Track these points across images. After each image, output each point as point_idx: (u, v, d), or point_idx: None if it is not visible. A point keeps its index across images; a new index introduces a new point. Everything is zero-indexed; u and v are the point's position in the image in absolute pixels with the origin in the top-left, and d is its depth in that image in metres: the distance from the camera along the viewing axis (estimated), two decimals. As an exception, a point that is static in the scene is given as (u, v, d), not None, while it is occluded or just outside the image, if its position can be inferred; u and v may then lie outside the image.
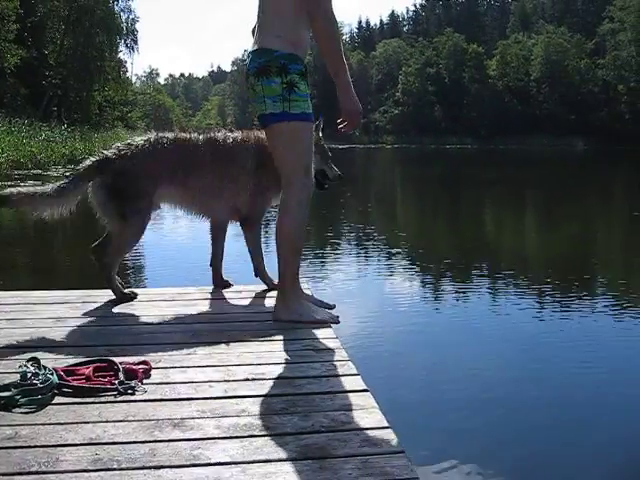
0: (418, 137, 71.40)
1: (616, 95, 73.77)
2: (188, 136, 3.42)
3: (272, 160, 3.10)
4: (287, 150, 2.95)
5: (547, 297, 6.23)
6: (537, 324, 5.35)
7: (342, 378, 2.34)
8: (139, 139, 3.37)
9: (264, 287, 3.66)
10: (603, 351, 4.71)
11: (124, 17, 44.75)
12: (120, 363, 2.29)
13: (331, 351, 2.64)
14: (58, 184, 3.23)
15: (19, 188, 3.18)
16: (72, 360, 2.40)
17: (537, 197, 17.63)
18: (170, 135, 3.40)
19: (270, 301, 3.31)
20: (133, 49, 45.77)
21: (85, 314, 3.16)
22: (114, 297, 3.40)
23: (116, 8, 44.10)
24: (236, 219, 3.59)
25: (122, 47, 45.87)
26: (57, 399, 2.09)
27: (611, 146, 60.08)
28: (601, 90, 75.15)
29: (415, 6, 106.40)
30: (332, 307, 3.28)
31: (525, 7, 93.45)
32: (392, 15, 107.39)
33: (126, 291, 3.49)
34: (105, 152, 3.32)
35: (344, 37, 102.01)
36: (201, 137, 3.41)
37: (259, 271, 3.63)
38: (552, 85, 74.95)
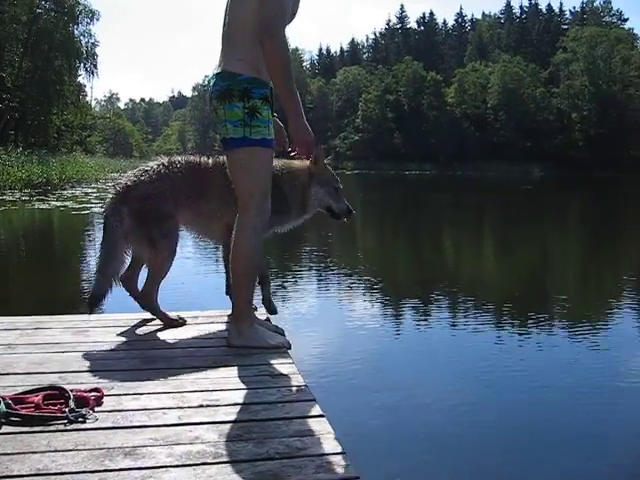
0: (378, 163, 71.97)
1: (570, 123, 75.63)
2: (199, 160, 3.43)
3: (278, 189, 3.14)
4: (245, 175, 2.93)
5: (505, 322, 6.30)
6: (495, 350, 5.39)
7: (298, 404, 2.32)
8: (153, 164, 3.38)
9: (220, 312, 3.63)
10: (560, 376, 4.75)
11: (84, 41, 44.34)
12: (71, 390, 2.24)
13: (287, 377, 2.62)
14: (102, 245, 3.31)
15: (95, 281, 3.31)
16: (21, 388, 2.34)
17: (494, 222, 17.88)
18: (182, 159, 3.43)
19: (225, 327, 3.28)
20: (93, 73, 45.29)
21: (37, 341, 3.08)
22: (68, 323, 3.34)
23: (76, 32, 43.71)
24: None
25: (82, 71, 45.37)
26: (4, 428, 2.04)
27: (566, 172, 61.41)
28: (556, 118, 76.97)
29: (375, 34, 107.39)
30: (281, 333, 3.25)
31: (482, 36, 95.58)
32: (352, 43, 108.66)
33: (173, 316, 3.45)
34: (123, 181, 3.33)
35: (305, 64, 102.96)
36: (210, 161, 3.41)
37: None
38: (509, 112, 76.48)
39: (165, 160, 3.41)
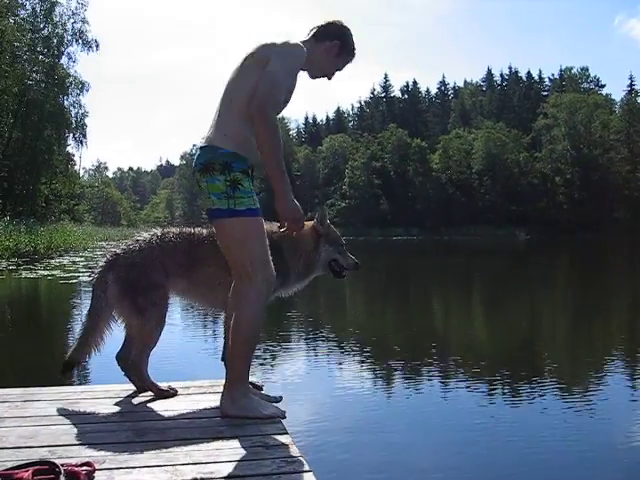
0: (365, 229, 72.40)
1: (554, 186, 76.92)
2: (192, 230, 3.45)
3: (278, 254, 3.15)
4: (238, 246, 2.94)
5: (494, 387, 6.27)
6: (485, 414, 5.35)
7: (294, 475, 2.29)
8: (146, 234, 3.41)
9: (211, 382, 3.59)
10: (549, 439, 4.71)
11: (74, 112, 44.93)
12: (62, 465, 2.19)
13: (282, 447, 2.58)
14: (87, 312, 3.32)
15: (73, 346, 3.33)
16: (10, 463, 2.28)
17: (482, 287, 17.94)
18: (175, 230, 3.45)
19: (217, 398, 3.22)
20: (82, 143, 45.75)
21: (26, 414, 3.03)
22: (58, 395, 3.29)
23: (66, 103, 44.36)
24: None
25: (71, 141, 45.85)
26: (-7, 506, 1.99)
27: (552, 235, 62.01)
28: (540, 182, 78.34)
29: (360, 102, 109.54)
30: (278, 400, 3.23)
31: (464, 104, 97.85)
32: (338, 111, 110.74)
33: (164, 387, 3.40)
34: (114, 250, 3.35)
35: (291, 132, 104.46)
36: (205, 231, 3.42)
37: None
38: (493, 177, 77.76)
39: (158, 231, 3.43)
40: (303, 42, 3.08)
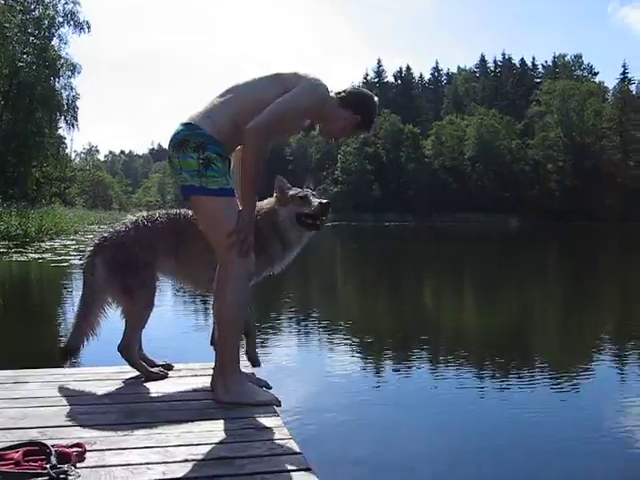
0: (357, 214, 72.17)
1: (546, 173, 77.04)
2: (179, 211, 3.43)
3: (258, 232, 3.06)
4: (212, 227, 2.93)
5: (487, 374, 6.31)
6: (477, 401, 5.38)
7: (284, 457, 2.29)
8: (132, 217, 3.39)
9: (202, 364, 3.59)
10: (539, 424, 4.74)
11: (65, 94, 44.52)
12: (52, 446, 2.18)
13: (272, 430, 2.58)
14: (80, 298, 3.31)
15: (70, 332, 3.32)
16: (1, 444, 2.28)
17: (474, 273, 17.99)
18: (162, 211, 3.44)
19: (208, 380, 3.19)
20: (73, 126, 45.35)
21: (16, 395, 3.02)
22: (48, 377, 3.29)
23: (57, 85, 43.95)
24: None
25: (62, 124, 45.41)
26: (-17, 486, 1.98)
27: (544, 222, 62.16)
28: (532, 169, 78.41)
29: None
30: (269, 387, 3.22)
31: (457, 90, 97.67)
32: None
33: (154, 369, 3.39)
34: (102, 233, 3.35)
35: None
36: (190, 212, 3.34)
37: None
38: (485, 164, 77.76)
39: (145, 213, 3.42)
40: (328, 97, 3.07)
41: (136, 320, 3.29)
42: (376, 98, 3.25)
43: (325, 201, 3.33)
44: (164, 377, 3.36)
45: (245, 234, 2.84)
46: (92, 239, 3.37)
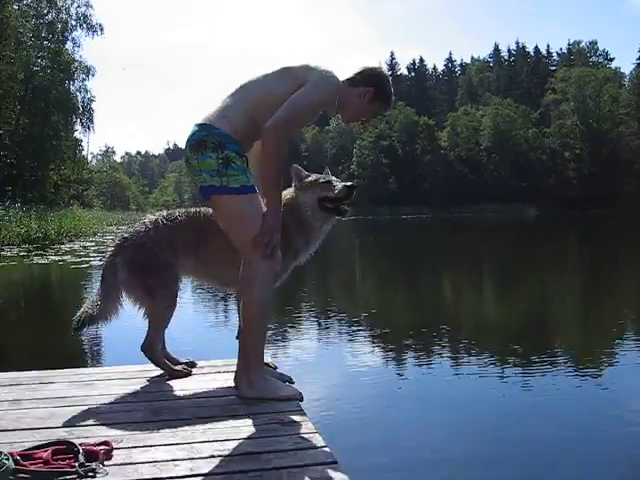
0: (374, 208, 72.03)
1: (563, 162, 76.48)
2: (199, 209, 3.41)
3: (282, 226, 3.03)
4: (236, 226, 2.93)
5: (507, 364, 6.27)
6: (498, 391, 5.37)
7: (310, 451, 2.29)
8: (152, 216, 3.39)
9: (224, 361, 3.60)
10: (559, 417, 4.72)
11: (80, 97, 44.79)
12: (80, 445, 2.20)
13: (297, 424, 2.59)
14: (99, 289, 3.27)
15: (80, 310, 3.23)
16: (29, 444, 2.30)
17: (492, 264, 17.89)
18: (181, 210, 3.43)
19: (230, 376, 3.20)
20: (89, 128, 45.63)
21: (41, 395, 3.05)
22: (72, 377, 3.32)
23: (72, 88, 44.22)
24: None
25: (78, 126, 45.69)
26: (13, 485, 2.00)
27: (562, 210, 61.73)
28: (549, 157, 77.90)
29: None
30: (292, 382, 3.22)
31: (472, 80, 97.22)
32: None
33: (178, 367, 3.41)
34: (123, 234, 3.35)
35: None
36: (212, 210, 3.30)
37: None
38: (502, 154, 77.36)
39: (165, 212, 3.42)
40: (339, 83, 3.06)
41: (159, 320, 3.30)
42: (383, 69, 3.25)
43: (350, 183, 3.30)
44: (188, 374, 3.38)
45: (270, 237, 2.84)
46: (113, 240, 3.38)
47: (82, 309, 3.23)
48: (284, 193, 3.36)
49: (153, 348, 3.32)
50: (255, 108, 2.93)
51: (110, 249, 3.34)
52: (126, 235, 3.32)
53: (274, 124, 2.81)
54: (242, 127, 2.92)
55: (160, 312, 3.27)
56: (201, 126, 2.94)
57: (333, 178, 3.36)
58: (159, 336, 3.36)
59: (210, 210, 3.31)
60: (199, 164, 2.89)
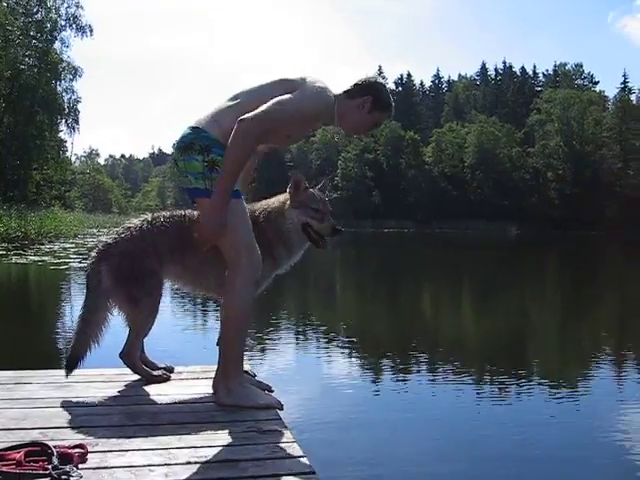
0: (357, 221, 71.89)
1: (546, 182, 77.08)
2: (183, 212, 3.35)
3: (262, 234, 3.07)
4: None
5: (482, 382, 6.32)
6: (473, 408, 5.39)
7: (288, 460, 2.28)
8: (136, 221, 3.33)
9: (203, 367, 3.57)
10: (533, 433, 4.74)
11: (66, 97, 44.55)
12: (54, 447, 2.17)
13: (276, 433, 2.57)
14: (84, 305, 3.20)
15: (74, 340, 3.20)
16: (2, 444, 2.26)
17: (473, 281, 17.98)
18: (166, 213, 3.36)
19: (209, 383, 3.16)
20: (74, 129, 45.35)
21: (17, 396, 3.00)
22: (49, 378, 3.27)
23: (59, 88, 44.03)
24: None
25: (63, 127, 45.47)
26: (-15, 486, 1.97)
27: (542, 230, 62.18)
28: (532, 177, 78.47)
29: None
30: (271, 390, 3.20)
31: (458, 97, 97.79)
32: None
33: (156, 372, 3.36)
34: (105, 239, 3.29)
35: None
36: (196, 212, 3.27)
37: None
38: (485, 172, 77.79)
39: (149, 216, 3.35)
40: (335, 96, 3.03)
41: (140, 328, 3.25)
42: (379, 78, 3.22)
43: (339, 227, 3.28)
44: (166, 380, 3.34)
45: (202, 229, 2.83)
46: (96, 245, 3.33)
47: (74, 344, 3.19)
48: (273, 200, 3.37)
49: (132, 355, 3.28)
50: (246, 114, 2.92)
51: (93, 255, 3.27)
52: (109, 241, 3.25)
53: (250, 115, 2.79)
54: (231, 132, 2.90)
55: (142, 320, 3.23)
56: (191, 129, 2.94)
57: (327, 205, 3.32)
58: (138, 343, 3.32)
59: (195, 213, 3.29)
60: (185, 165, 2.88)
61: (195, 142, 2.87)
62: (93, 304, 3.19)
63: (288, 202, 3.30)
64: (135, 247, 3.19)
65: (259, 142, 2.90)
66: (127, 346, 3.27)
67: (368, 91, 3.07)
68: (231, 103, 3.00)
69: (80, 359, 3.18)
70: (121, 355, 3.28)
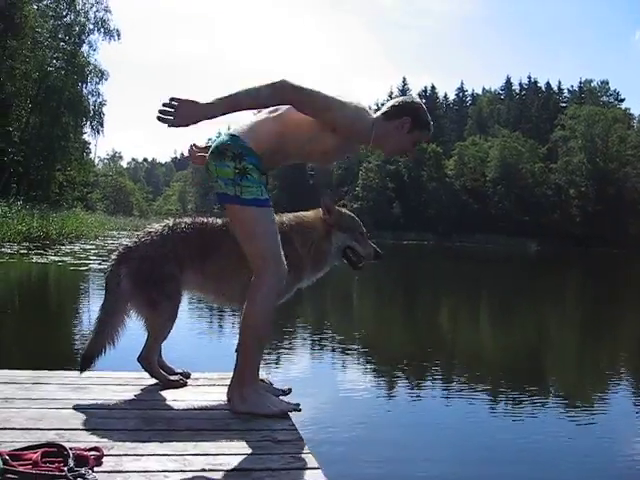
0: (377, 232, 71.57)
1: (568, 199, 76.50)
2: (205, 219, 3.36)
3: (289, 245, 3.09)
4: (247, 238, 2.91)
5: (497, 396, 6.28)
6: (489, 421, 5.36)
7: (302, 471, 2.26)
8: (157, 225, 3.35)
9: (219, 374, 3.57)
10: (545, 447, 4.70)
11: (92, 100, 44.83)
12: (70, 448, 2.17)
13: (291, 442, 2.56)
14: (102, 306, 3.23)
15: (89, 339, 3.23)
16: (19, 444, 2.27)
17: (492, 296, 17.86)
18: (187, 219, 3.38)
19: (225, 390, 3.19)
20: (98, 131, 45.62)
21: (35, 396, 3.02)
22: (67, 379, 3.29)
23: (85, 91, 44.39)
24: None
25: (87, 129, 45.82)
26: (1, 486, 1.97)
27: (563, 248, 61.71)
28: (554, 193, 77.89)
29: (377, 105, 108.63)
30: (287, 393, 3.20)
31: (482, 111, 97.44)
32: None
33: (173, 377, 3.38)
34: (126, 243, 3.31)
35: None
36: (219, 220, 3.32)
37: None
38: (507, 186, 77.37)
39: (170, 221, 3.36)
40: (373, 119, 3.03)
41: (159, 332, 3.26)
42: (416, 98, 3.21)
43: (381, 252, 3.40)
44: (183, 385, 3.34)
45: (172, 106, 2.74)
46: (116, 247, 3.35)
47: (89, 343, 3.22)
48: (307, 214, 3.38)
49: (150, 359, 3.29)
50: (286, 125, 2.93)
51: (113, 257, 3.29)
52: (130, 244, 3.27)
53: (296, 84, 2.81)
54: (265, 146, 2.91)
55: (161, 324, 3.23)
56: (229, 135, 2.95)
57: (362, 228, 3.40)
58: (157, 348, 3.33)
59: (218, 221, 3.32)
60: (217, 170, 2.89)
61: (229, 149, 2.88)
62: (111, 306, 3.21)
63: (325, 222, 3.34)
64: (155, 252, 3.20)
65: (276, 103, 2.90)
66: (145, 350, 3.28)
67: (406, 112, 3.05)
68: (271, 115, 3.01)
69: (94, 359, 3.21)
70: (139, 359, 3.29)
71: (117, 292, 3.19)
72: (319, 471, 2.27)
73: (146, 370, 3.31)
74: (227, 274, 3.29)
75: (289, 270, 2.97)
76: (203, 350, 7.39)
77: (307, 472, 2.26)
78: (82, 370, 3.21)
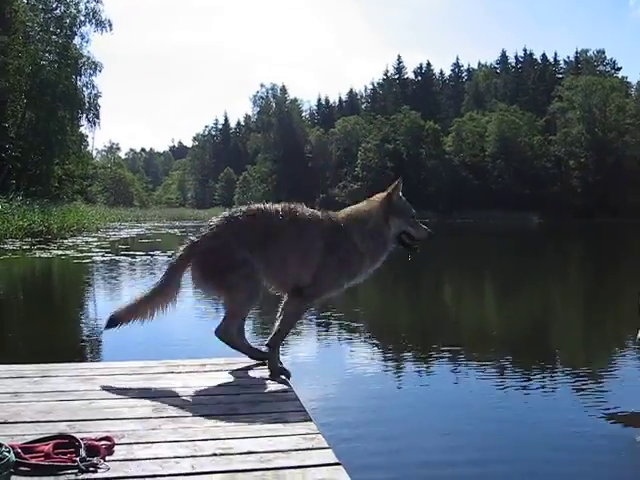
0: (377, 211, 71.66)
1: (568, 170, 76.29)
2: (262, 207, 3.35)
3: (348, 241, 3.22)
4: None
5: (506, 373, 6.29)
6: (492, 396, 5.37)
7: (312, 452, 2.27)
8: (216, 219, 3.37)
9: (226, 359, 3.59)
10: (554, 424, 4.72)
11: (87, 92, 44.74)
12: (81, 439, 2.19)
13: (300, 424, 2.57)
14: (158, 282, 3.31)
15: (123, 304, 3.32)
16: (30, 437, 2.28)
17: (495, 271, 17.86)
18: (243, 208, 3.39)
19: (233, 375, 3.26)
20: (95, 124, 45.60)
21: (43, 389, 3.03)
22: (74, 371, 3.31)
23: (79, 83, 44.24)
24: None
25: (84, 121, 45.73)
26: (14, 478, 1.99)
27: (564, 219, 61.61)
28: (553, 165, 77.69)
29: (373, 84, 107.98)
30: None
31: (478, 86, 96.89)
32: (350, 93, 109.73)
33: (261, 348, 3.51)
34: (192, 238, 3.36)
35: (304, 114, 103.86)
36: (276, 207, 3.33)
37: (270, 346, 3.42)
38: (506, 160, 77.17)
39: (227, 212, 3.39)
40: None
41: (237, 308, 3.34)
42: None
43: (433, 232, 3.44)
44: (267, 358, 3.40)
45: None
46: (184, 242, 3.38)
47: (120, 308, 3.31)
48: (359, 207, 3.53)
49: (228, 332, 3.37)
50: None
51: (180, 251, 3.35)
52: (195, 239, 3.33)
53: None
54: None
55: (240, 302, 3.31)
56: None
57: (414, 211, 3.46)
58: (235, 322, 3.39)
59: (276, 206, 3.34)
60: None
61: None
62: (160, 288, 3.29)
63: (382, 209, 3.41)
64: (218, 242, 3.25)
65: None
66: (224, 324, 3.37)
67: None
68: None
69: (118, 323, 3.28)
70: (217, 333, 3.38)
71: (176, 279, 3.30)
72: (329, 451, 2.29)
73: (227, 343, 3.39)
74: (284, 264, 3.32)
75: (346, 267, 3.19)
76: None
77: (317, 452, 2.27)
78: (106, 328, 3.28)
